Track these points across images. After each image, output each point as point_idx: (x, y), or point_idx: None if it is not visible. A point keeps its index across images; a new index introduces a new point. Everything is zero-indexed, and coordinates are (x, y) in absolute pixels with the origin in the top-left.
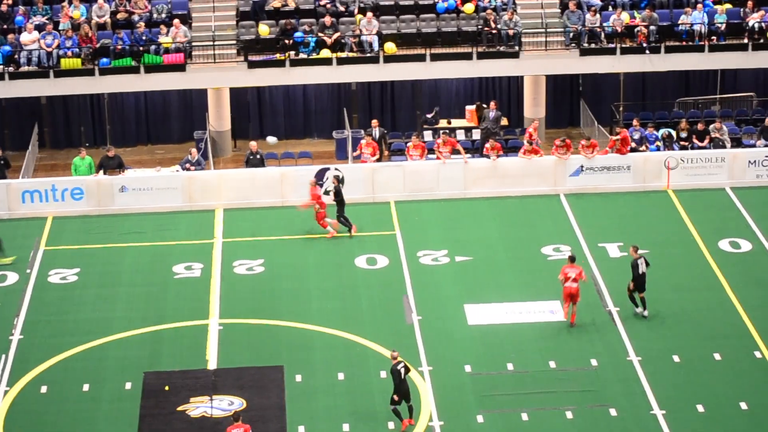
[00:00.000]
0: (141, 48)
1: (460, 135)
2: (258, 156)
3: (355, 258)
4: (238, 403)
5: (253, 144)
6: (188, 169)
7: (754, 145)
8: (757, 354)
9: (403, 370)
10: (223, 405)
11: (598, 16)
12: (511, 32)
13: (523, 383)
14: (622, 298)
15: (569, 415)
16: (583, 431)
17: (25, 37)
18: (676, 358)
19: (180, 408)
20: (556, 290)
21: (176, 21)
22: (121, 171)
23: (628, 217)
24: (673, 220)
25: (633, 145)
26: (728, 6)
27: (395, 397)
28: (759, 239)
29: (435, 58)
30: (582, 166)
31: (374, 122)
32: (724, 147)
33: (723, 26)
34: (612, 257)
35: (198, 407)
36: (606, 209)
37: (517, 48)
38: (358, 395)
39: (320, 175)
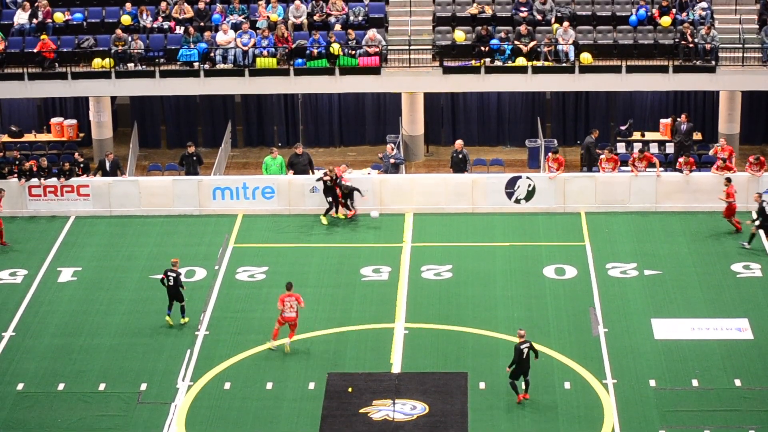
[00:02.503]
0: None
1: (654, 148)
2: (461, 155)
3: (544, 267)
4: (420, 407)
5: (458, 142)
6: (393, 164)
7: None
8: None
9: (526, 350)
10: (406, 409)
11: None
12: (708, 47)
13: (707, 400)
14: None
15: None
16: None
17: (220, 38)
18: None
19: (362, 410)
20: (744, 308)
21: (372, 32)
22: (311, 170)
23: None
24: None
25: None
26: None
27: (508, 369)
28: None
29: (631, 70)
30: None
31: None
32: None
33: None
34: None
35: (380, 410)
36: None
37: (713, 63)
38: (542, 405)
39: (511, 184)
